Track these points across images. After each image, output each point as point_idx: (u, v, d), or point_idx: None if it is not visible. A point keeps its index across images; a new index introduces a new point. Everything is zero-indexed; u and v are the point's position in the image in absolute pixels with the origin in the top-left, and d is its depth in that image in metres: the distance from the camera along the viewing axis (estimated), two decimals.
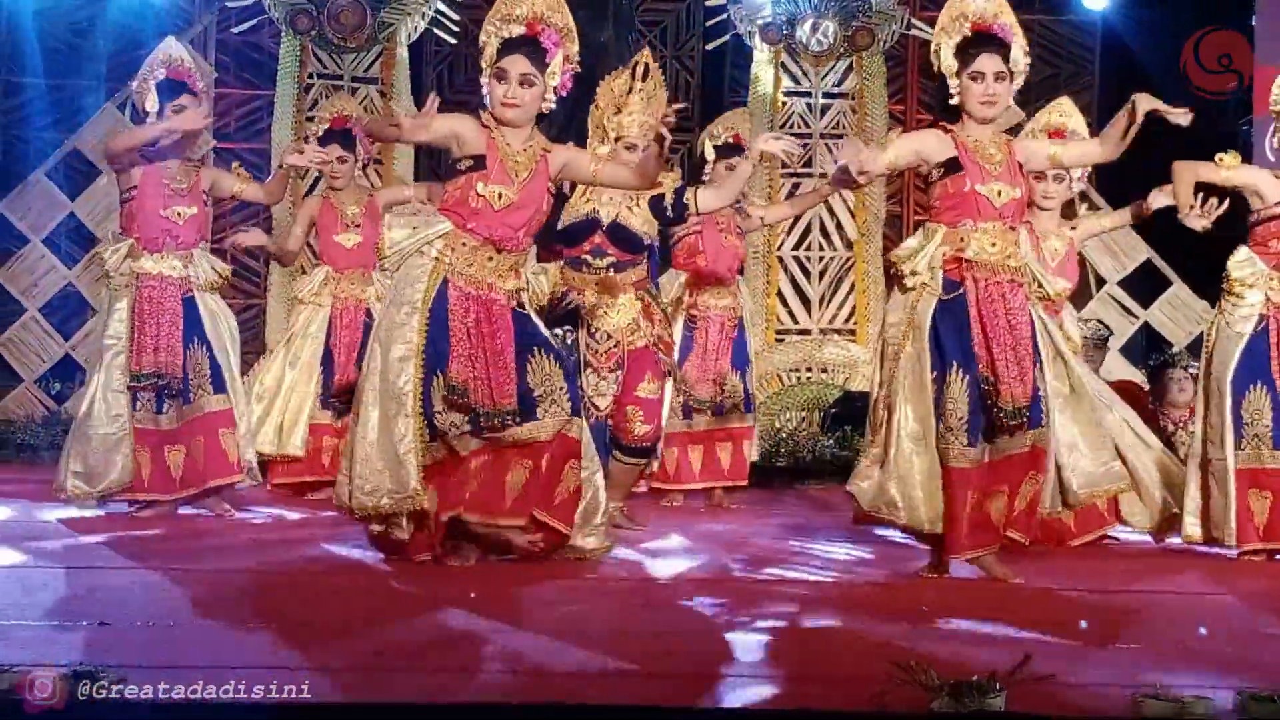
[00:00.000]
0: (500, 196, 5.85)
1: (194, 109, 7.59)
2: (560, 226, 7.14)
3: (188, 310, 7.63)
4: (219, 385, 7.68)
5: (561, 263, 7.17)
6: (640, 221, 7.11)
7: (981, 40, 5.97)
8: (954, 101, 6.04)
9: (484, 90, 5.97)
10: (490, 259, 5.88)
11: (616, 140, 7.04)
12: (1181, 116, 6.12)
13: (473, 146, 5.88)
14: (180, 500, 7.67)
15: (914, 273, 5.92)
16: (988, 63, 5.95)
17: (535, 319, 6.05)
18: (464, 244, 5.86)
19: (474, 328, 5.82)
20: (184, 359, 7.57)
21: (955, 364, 5.84)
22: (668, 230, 7.79)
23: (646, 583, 5.98)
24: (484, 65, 5.95)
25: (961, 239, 5.90)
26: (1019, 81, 6.08)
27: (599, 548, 6.16)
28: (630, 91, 7.08)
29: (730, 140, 8.50)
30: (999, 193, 5.91)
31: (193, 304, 7.65)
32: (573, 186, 7.00)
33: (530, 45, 5.90)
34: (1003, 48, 5.98)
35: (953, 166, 5.93)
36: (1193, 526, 6.97)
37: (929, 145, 6.02)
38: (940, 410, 5.84)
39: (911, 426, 5.89)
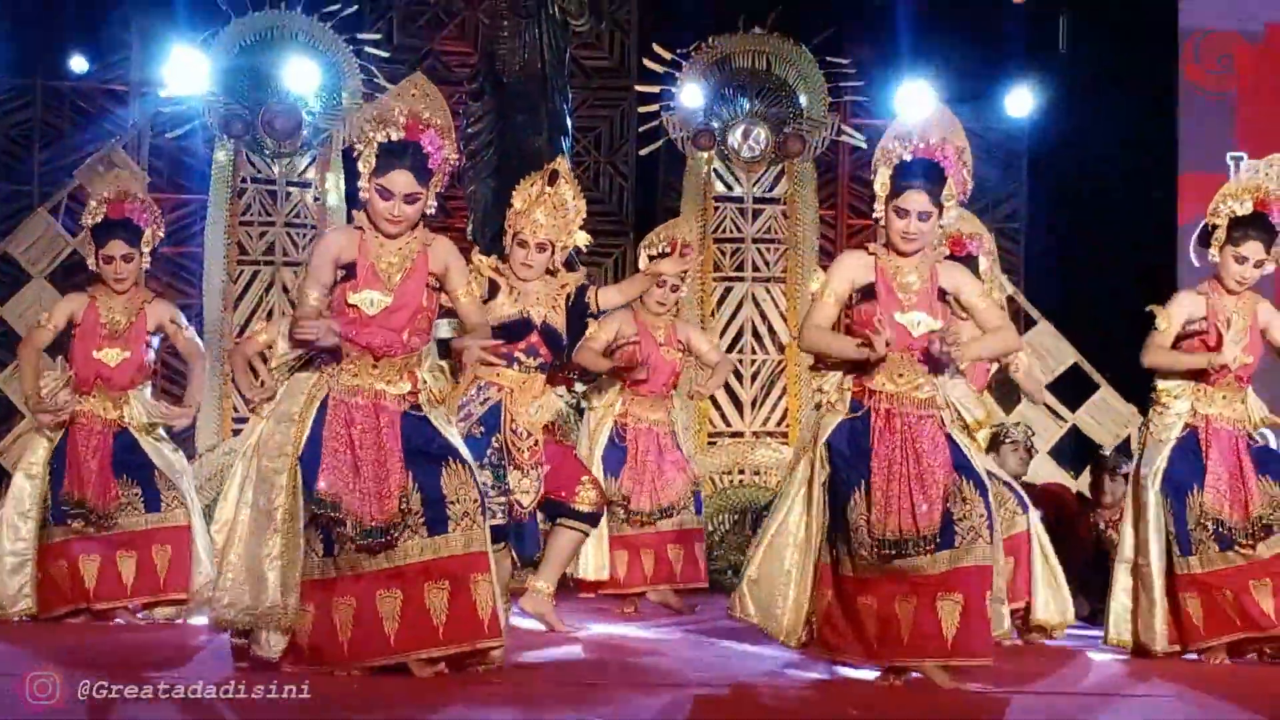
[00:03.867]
0: (373, 302, 5.72)
1: (123, 260, 7.49)
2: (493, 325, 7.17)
3: (121, 444, 7.53)
4: (153, 507, 7.56)
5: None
6: (561, 322, 7.20)
7: (917, 172, 5.83)
8: (879, 224, 5.94)
9: (361, 194, 5.79)
10: (374, 366, 5.74)
11: (514, 236, 7.14)
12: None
13: (346, 255, 5.75)
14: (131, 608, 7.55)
15: (820, 390, 5.95)
16: (915, 199, 5.81)
17: (437, 423, 5.87)
18: (346, 354, 5.73)
19: (358, 437, 5.68)
20: (138, 477, 7.49)
21: (859, 484, 5.79)
22: (578, 331, 7.82)
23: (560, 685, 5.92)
24: (362, 170, 5.75)
25: (872, 366, 5.82)
26: (950, 214, 5.96)
27: (498, 658, 5.91)
28: (538, 196, 7.17)
29: (666, 250, 8.56)
30: (918, 323, 5.84)
31: (125, 439, 7.54)
32: (494, 287, 7.05)
33: (412, 154, 5.71)
34: (939, 181, 5.83)
35: (869, 292, 5.88)
36: (1116, 629, 7.06)
37: (855, 271, 5.93)
38: (845, 526, 5.81)
39: (792, 525, 5.91)
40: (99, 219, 7.52)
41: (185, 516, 7.60)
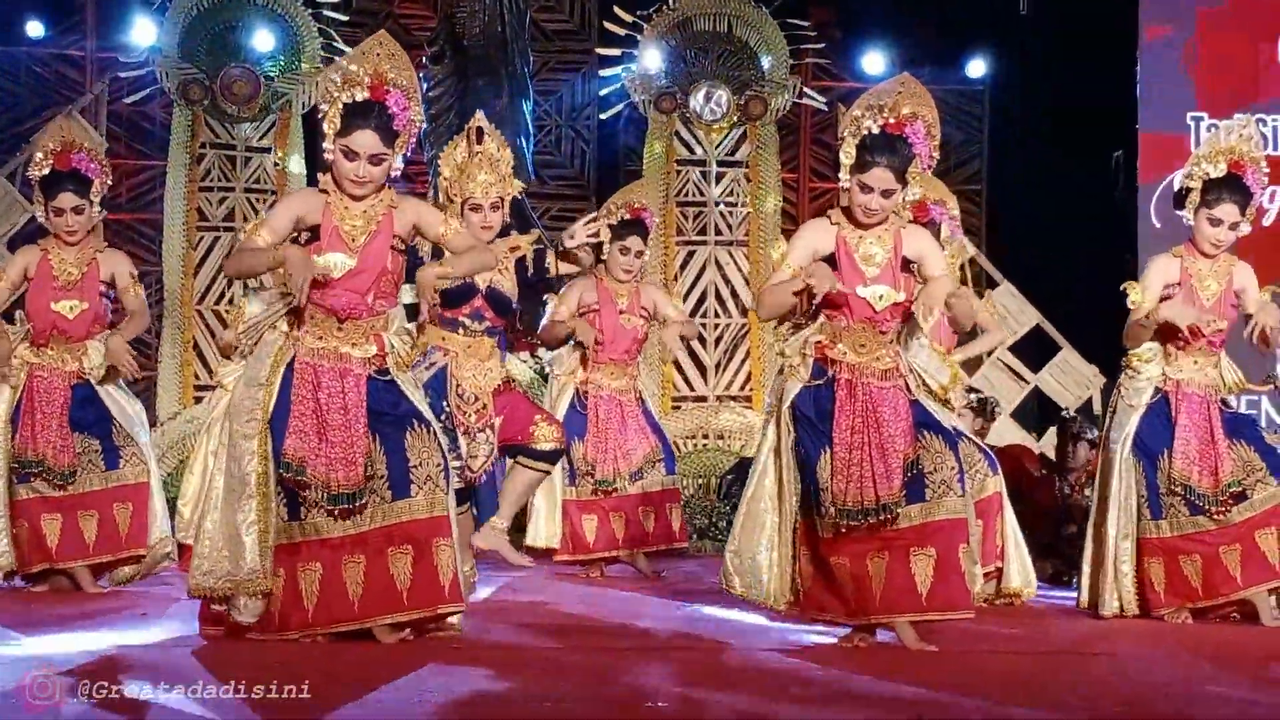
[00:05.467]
0: (337, 265, 5.65)
1: (73, 213, 7.38)
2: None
3: (80, 397, 7.47)
4: (112, 464, 7.53)
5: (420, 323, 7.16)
6: (510, 285, 7.13)
7: (883, 147, 5.72)
8: (844, 191, 5.83)
9: (326, 155, 5.72)
10: (339, 328, 5.70)
11: (463, 204, 7.08)
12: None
13: (311, 218, 5.70)
14: (92, 566, 7.52)
15: (783, 355, 5.92)
16: (879, 175, 5.71)
17: (404, 387, 5.82)
18: (312, 316, 5.69)
19: (324, 401, 5.64)
20: (97, 431, 7.45)
21: (825, 446, 5.77)
22: (537, 295, 7.77)
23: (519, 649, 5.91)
24: (327, 131, 5.67)
25: (834, 334, 5.80)
26: (912, 194, 5.90)
27: (457, 623, 5.90)
28: (470, 156, 7.11)
29: (626, 216, 8.50)
30: (880, 296, 5.78)
31: (83, 392, 7.48)
32: (438, 251, 6.97)
33: (378, 114, 5.63)
34: (904, 157, 5.73)
35: (832, 263, 5.79)
36: (1085, 591, 7.10)
37: (817, 240, 5.85)
38: (818, 485, 5.80)
39: (768, 488, 5.90)
40: (46, 171, 7.42)
41: (144, 474, 7.56)
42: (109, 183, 7.73)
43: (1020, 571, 7.53)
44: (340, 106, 5.66)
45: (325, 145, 5.73)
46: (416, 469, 5.71)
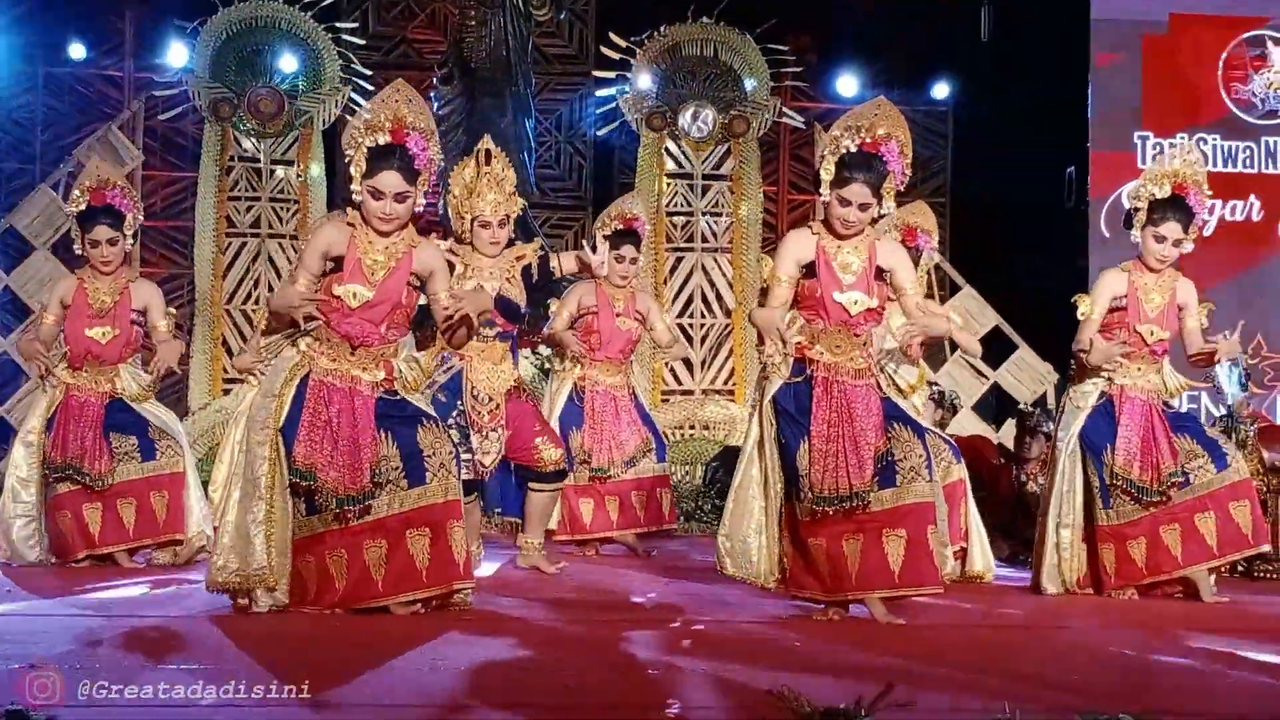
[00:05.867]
0: (355, 295, 5.68)
1: (108, 244, 7.38)
2: None
3: (113, 409, 7.46)
4: (149, 456, 7.50)
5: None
6: (518, 292, 7.16)
7: (861, 165, 5.74)
8: (822, 205, 5.85)
9: (354, 195, 5.74)
10: (351, 353, 5.73)
11: (473, 220, 7.10)
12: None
13: (336, 249, 5.71)
14: (133, 550, 7.51)
15: (765, 353, 5.92)
16: (857, 191, 5.74)
17: (412, 399, 5.86)
18: (328, 339, 5.72)
19: (334, 416, 5.67)
20: (106, 451, 7.42)
21: (804, 437, 5.79)
22: (542, 297, 7.79)
23: (521, 621, 5.91)
24: (354, 173, 5.71)
25: (813, 336, 5.83)
26: (887, 208, 5.88)
27: (466, 598, 5.89)
28: (479, 176, 7.12)
29: (620, 227, 8.49)
30: (855, 302, 5.80)
31: (119, 404, 7.48)
32: (451, 266, 6.97)
33: (400, 156, 5.67)
34: (880, 174, 5.75)
35: (811, 270, 5.83)
36: (1034, 572, 7.13)
37: (801, 249, 5.87)
38: (797, 473, 5.81)
39: (754, 476, 5.92)
40: (83, 206, 7.43)
41: (181, 464, 7.55)
42: (140, 217, 7.71)
43: (982, 556, 7.56)
44: (365, 151, 5.70)
45: (354, 187, 5.74)
46: (430, 458, 5.75)
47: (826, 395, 5.80)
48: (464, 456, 6.94)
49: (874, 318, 5.90)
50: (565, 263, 7.41)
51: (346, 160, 5.80)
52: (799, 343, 5.86)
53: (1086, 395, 7.05)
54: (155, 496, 7.50)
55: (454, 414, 7.00)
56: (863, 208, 5.78)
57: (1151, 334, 6.93)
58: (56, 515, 7.42)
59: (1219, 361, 7.06)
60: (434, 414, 5.96)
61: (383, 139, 5.68)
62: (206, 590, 5.77)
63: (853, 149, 5.77)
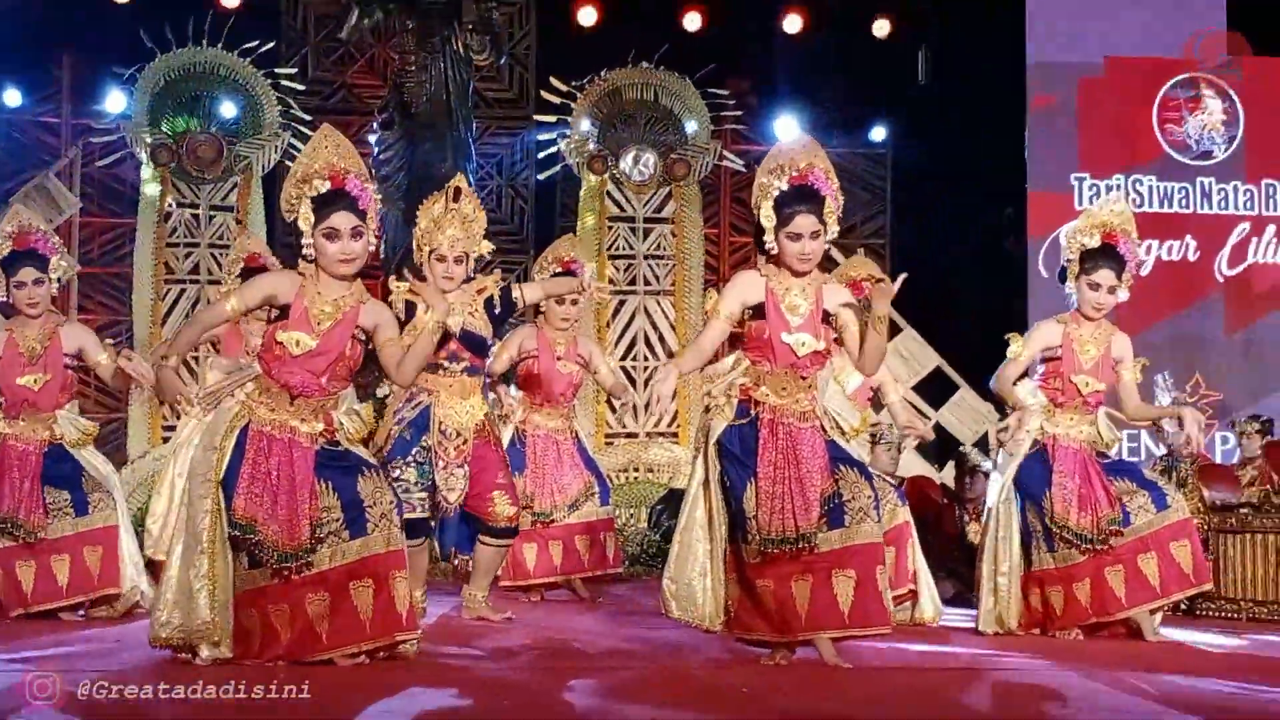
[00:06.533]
0: (298, 343, 5.63)
1: (34, 285, 7.27)
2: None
3: (51, 457, 7.35)
4: (81, 511, 7.35)
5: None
6: (482, 324, 7.16)
7: (799, 197, 5.78)
8: (772, 253, 5.85)
9: (306, 250, 5.68)
10: (290, 404, 5.67)
11: (430, 253, 7.10)
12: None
13: (284, 298, 5.68)
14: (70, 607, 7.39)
15: (709, 395, 5.93)
16: (804, 222, 5.76)
17: (354, 449, 5.81)
18: (269, 389, 5.67)
19: (274, 469, 5.60)
20: (67, 485, 7.34)
21: (750, 479, 5.77)
22: (505, 329, 7.80)
23: (469, 668, 5.88)
24: (304, 228, 5.66)
25: (758, 378, 5.84)
26: (832, 232, 5.87)
27: (411, 648, 5.82)
28: (445, 211, 7.13)
29: (559, 270, 8.49)
30: (802, 344, 5.81)
31: (56, 451, 7.35)
32: (411, 307, 6.95)
33: (344, 198, 5.64)
34: (818, 202, 5.78)
35: (759, 312, 5.85)
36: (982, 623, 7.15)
37: (747, 291, 5.89)
38: (741, 518, 5.80)
39: (698, 518, 5.89)
40: (5, 251, 7.35)
41: (114, 518, 7.43)
42: (65, 262, 7.60)
43: (931, 601, 7.59)
44: (308, 202, 5.66)
45: (305, 241, 5.69)
46: (371, 508, 5.69)
47: (773, 437, 5.79)
48: (420, 496, 6.92)
49: (820, 360, 5.90)
50: (528, 293, 7.43)
51: (291, 218, 5.74)
52: (744, 384, 5.86)
53: (1020, 443, 7.12)
54: (89, 551, 7.37)
55: (415, 450, 6.97)
56: (814, 236, 5.80)
57: (1086, 385, 7.01)
58: None
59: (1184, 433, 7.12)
60: (374, 463, 5.90)
61: (323, 186, 5.65)
62: (150, 645, 5.67)
63: (785, 188, 5.80)
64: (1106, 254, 6.96)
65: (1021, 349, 7.06)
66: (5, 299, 7.43)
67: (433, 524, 7.13)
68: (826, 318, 5.89)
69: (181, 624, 5.54)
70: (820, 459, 5.81)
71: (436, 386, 7.06)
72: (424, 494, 6.95)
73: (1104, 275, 6.96)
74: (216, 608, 5.56)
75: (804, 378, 5.86)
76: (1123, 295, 7.03)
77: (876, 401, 8.01)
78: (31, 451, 7.33)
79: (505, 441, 8.38)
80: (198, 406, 6.06)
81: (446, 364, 7.09)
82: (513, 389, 8.67)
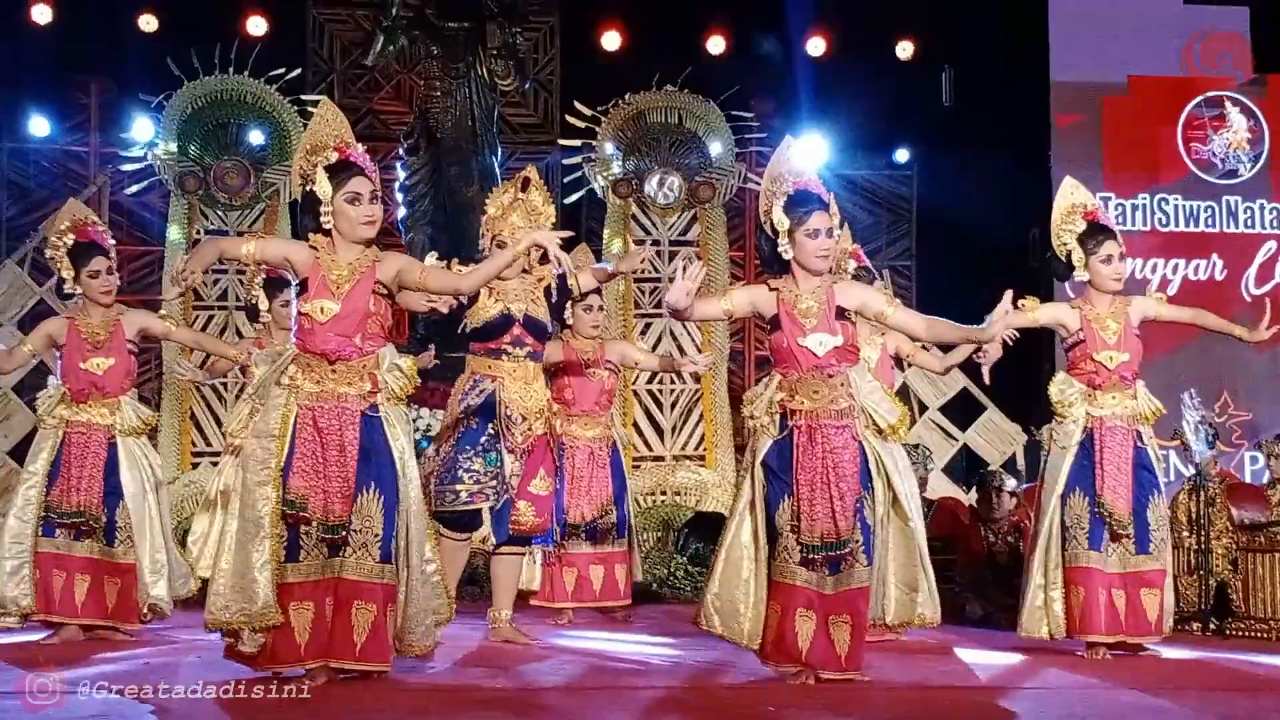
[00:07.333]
0: (323, 310, 5.75)
1: (107, 274, 7.52)
2: (473, 327, 7.22)
3: (110, 457, 7.49)
4: (110, 540, 7.46)
5: (470, 354, 7.30)
6: (543, 312, 7.29)
7: (808, 198, 5.94)
8: (787, 257, 5.96)
9: (324, 220, 5.79)
10: (333, 370, 5.77)
11: (493, 239, 7.23)
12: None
13: (300, 271, 5.82)
14: (86, 624, 7.47)
15: (753, 416, 6.03)
16: (820, 220, 5.91)
17: (391, 429, 5.85)
18: (307, 363, 5.78)
19: (323, 438, 5.71)
20: (106, 504, 7.44)
21: (786, 495, 5.88)
22: (562, 316, 7.92)
23: (507, 691, 5.91)
24: (320, 195, 5.79)
25: (791, 388, 5.95)
26: (837, 235, 6.10)
27: (429, 647, 5.98)
28: (512, 202, 7.25)
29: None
30: (820, 344, 5.91)
31: (115, 450, 7.49)
32: (475, 293, 7.02)
33: (354, 166, 5.84)
34: (825, 204, 5.95)
35: (776, 323, 5.98)
36: (1026, 622, 7.13)
37: (760, 300, 6.03)
38: (776, 531, 5.90)
39: (744, 539, 5.98)
40: (69, 242, 7.50)
41: (133, 555, 7.50)
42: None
43: (930, 599, 7.40)
44: (322, 172, 5.81)
45: (323, 208, 5.81)
46: (398, 538, 5.81)
47: (810, 444, 5.89)
48: (491, 485, 7.01)
49: (847, 356, 5.99)
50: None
51: (307, 188, 5.88)
52: (781, 399, 5.96)
53: (1070, 434, 7.11)
54: (108, 582, 7.49)
55: (483, 438, 7.06)
56: (830, 233, 5.95)
57: (1111, 359, 7.04)
58: (36, 569, 7.42)
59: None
60: (408, 470, 5.91)
61: (332, 156, 5.85)
62: (205, 629, 5.70)
63: (792, 191, 5.96)
64: (1098, 230, 7.11)
65: (1035, 308, 7.12)
66: (71, 290, 7.56)
67: (493, 508, 7.16)
68: (843, 314, 5.99)
69: (243, 607, 5.57)
70: (855, 463, 5.91)
71: (500, 372, 7.17)
72: (494, 481, 7.04)
73: (1109, 246, 7.08)
74: (274, 591, 5.61)
75: (832, 376, 5.95)
76: (1128, 263, 7.11)
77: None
78: (95, 443, 7.46)
79: None
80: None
81: (510, 349, 7.21)
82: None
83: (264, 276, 8.44)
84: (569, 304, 7.80)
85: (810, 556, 5.82)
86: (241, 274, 11.74)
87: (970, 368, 12.10)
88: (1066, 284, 7.56)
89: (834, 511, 5.81)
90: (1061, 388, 7.15)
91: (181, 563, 7.76)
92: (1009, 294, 6.08)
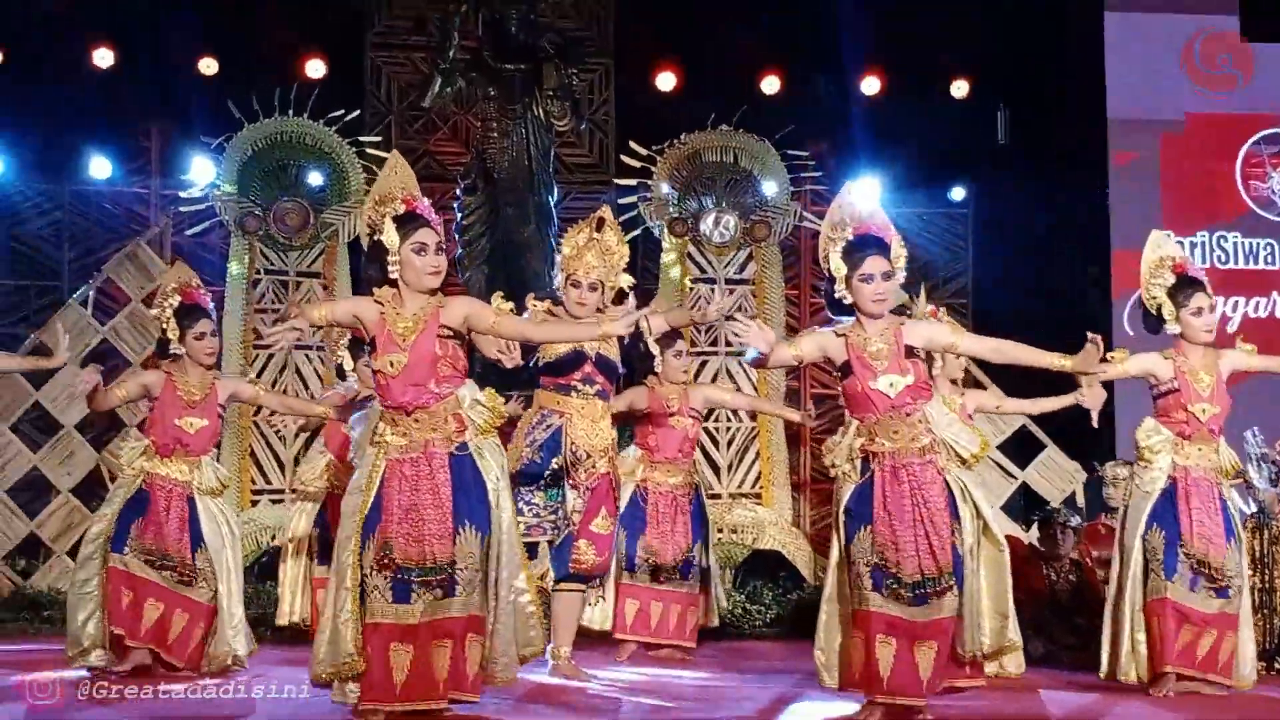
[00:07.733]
0: (393, 364, 5.87)
1: (211, 336, 7.70)
2: (545, 361, 7.33)
3: (191, 511, 7.63)
4: (185, 582, 7.55)
5: (540, 389, 7.41)
6: (615, 353, 7.36)
7: (865, 243, 6.03)
8: (846, 302, 6.07)
9: (392, 271, 5.93)
10: (415, 421, 5.87)
11: (567, 279, 7.29)
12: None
13: (369, 329, 5.95)
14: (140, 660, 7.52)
15: (834, 465, 6.10)
16: (874, 264, 6.01)
17: (483, 463, 5.92)
18: (391, 418, 5.89)
19: (415, 485, 5.80)
20: (188, 552, 7.55)
21: (864, 526, 5.92)
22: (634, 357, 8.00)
23: None
24: (388, 247, 5.93)
25: (870, 431, 6.01)
26: (901, 276, 6.15)
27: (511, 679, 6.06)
28: (588, 241, 7.32)
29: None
30: (891, 385, 5.99)
31: (194, 505, 7.64)
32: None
33: (420, 218, 5.97)
34: (884, 247, 6.05)
35: (847, 369, 6.05)
36: (1105, 662, 7.12)
37: (830, 347, 6.12)
38: (850, 560, 5.92)
39: (830, 592, 6.10)
40: (176, 303, 7.66)
41: (210, 598, 7.59)
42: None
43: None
44: (391, 222, 5.94)
45: (390, 259, 5.93)
46: (464, 572, 5.86)
47: (895, 482, 5.95)
48: (550, 519, 7.08)
49: (920, 393, 6.06)
50: (654, 322, 7.53)
51: (375, 238, 6.00)
52: (861, 443, 6.03)
53: (1154, 480, 7.15)
54: (178, 614, 7.55)
55: (546, 473, 7.13)
56: (886, 276, 6.03)
57: (1204, 411, 7.07)
58: (107, 586, 7.50)
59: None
60: (502, 509, 5.97)
61: (400, 209, 5.98)
62: (311, 684, 5.85)
63: (850, 237, 6.06)
64: (1187, 282, 7.13)
65: (1126, 360, 7.10)
66: (174, 349, 7.69)
67: (552, 543, 7.21)
68: (911, 352, 6.04)
69: (330, 660, 5.72)
70: (943, 499, 5.94)
71: (569, 409, 7.25)
72: (554, 516, 7.10)
73: (1199, 299, 7.11)
74: (359, 643, 5.71)
75: (909, 414, 5.99)
76: (1218, 311, 7.20)
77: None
78: (176, 497, 7.58)
79: (625, 498, 8.43)
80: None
81: (580, 386, 7.29)
82: (631, 448, 8.76)
83: (349, 336, 8.55)
84: (655, 347, 7.86)
85: (899, 591, 5.86)
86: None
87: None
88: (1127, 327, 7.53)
89: (931, 548, 5.87)
90: (1150, 434, 7.18)
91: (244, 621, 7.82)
92: (1097, 340, 6.10)
